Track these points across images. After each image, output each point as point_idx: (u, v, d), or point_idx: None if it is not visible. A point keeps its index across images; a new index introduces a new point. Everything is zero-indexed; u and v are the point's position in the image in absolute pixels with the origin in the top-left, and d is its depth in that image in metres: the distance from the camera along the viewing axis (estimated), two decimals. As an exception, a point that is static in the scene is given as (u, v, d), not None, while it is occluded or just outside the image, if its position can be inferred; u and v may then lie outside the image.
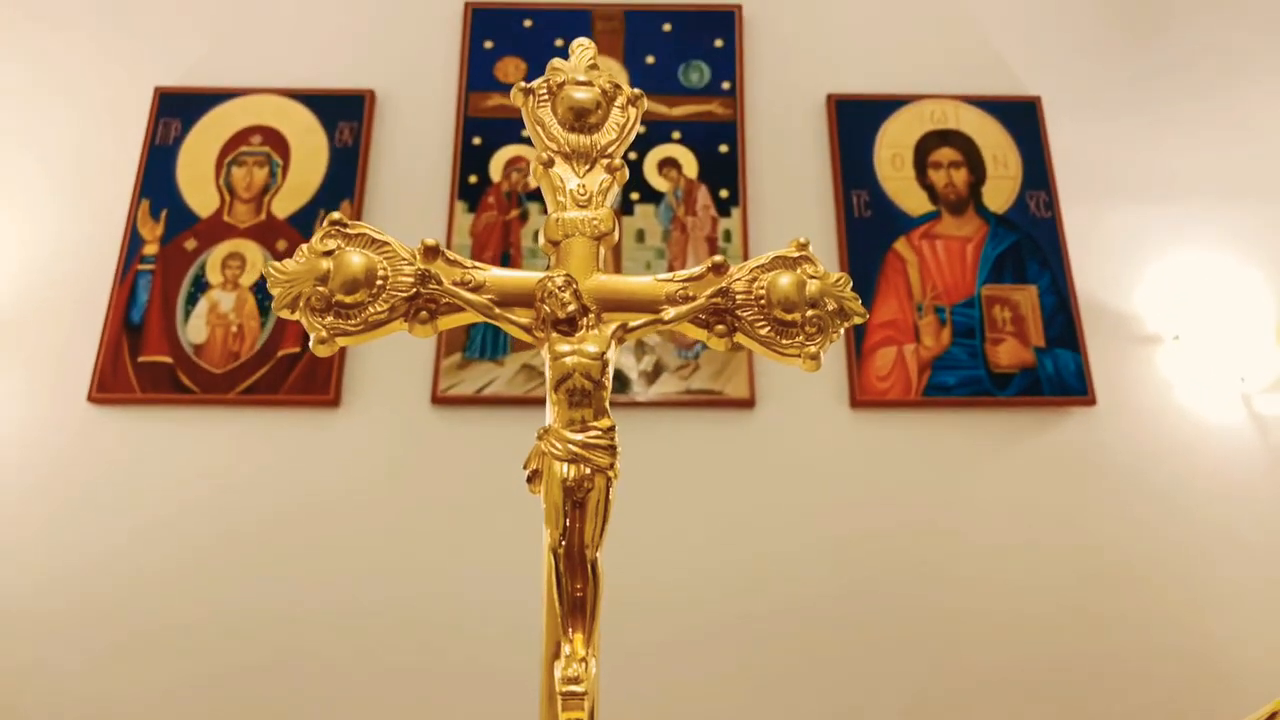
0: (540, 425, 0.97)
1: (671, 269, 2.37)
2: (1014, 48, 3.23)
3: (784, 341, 1.02)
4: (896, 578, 2.63)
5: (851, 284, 1.05)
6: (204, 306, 2.81)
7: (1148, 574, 2.65)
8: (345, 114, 3.04)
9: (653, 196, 2.99)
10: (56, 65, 3.11)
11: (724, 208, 2.97)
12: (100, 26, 3.16)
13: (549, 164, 1.08)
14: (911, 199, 3.02)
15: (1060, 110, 3.13)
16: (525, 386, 2.75)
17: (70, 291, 2.83)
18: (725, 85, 3.13)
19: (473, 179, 2.98)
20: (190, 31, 3.17)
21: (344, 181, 2.96)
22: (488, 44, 3.16)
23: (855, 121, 3.10)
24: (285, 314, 0.97)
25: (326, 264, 0.98)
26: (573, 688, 0.87)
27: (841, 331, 1.03)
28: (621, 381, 2.76)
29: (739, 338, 1.02)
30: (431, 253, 1.01)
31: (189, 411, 2.73)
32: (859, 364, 2.81)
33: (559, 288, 0.97)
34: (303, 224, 2.92)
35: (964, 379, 2.80)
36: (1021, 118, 3.12)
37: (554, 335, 0.97)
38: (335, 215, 1.02)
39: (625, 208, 2.96)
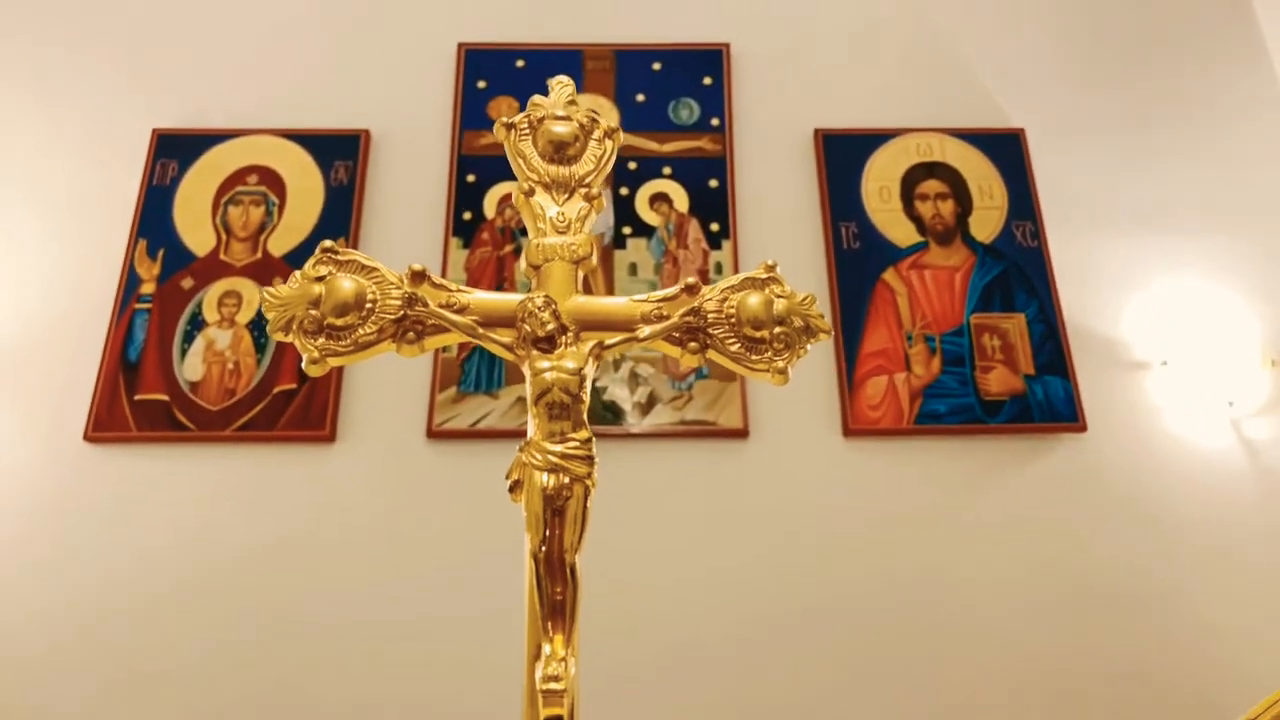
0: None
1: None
2: (997, 81, 3.30)
3: (753, 357, 1.07)
4: (890, 604, 2.63)
5: (817, 302, 1.10)
6: (200, 344, 2.84)
7: (1140, 598, 2.66)
8: (341, 153, 3.09)
9: (645, 230, 3.04)
10: (55, 107, 3.18)
11: (715, 241, 3.02)
12: (98, 70, 3.24)
13: (530, 193, 1.14)
14: (899, 230, 3.06)
15: (1044, 141, 3.19)
16: (520, 419, 2.76)
17: (67, 330, 2.86)
18: (714, 121, 3.19)
19: (467, 215, 3.03)
20: (188, 74, 3.25)
21: (339, 219, 3.01)
22: (481, 84, 3.23)
23: (843, 155, 3.16)
24: (279, 336, 1.03)
25: (319, 289, 1.04)
26: (553, 685, 0.91)
27: (809, 347, 1.07)
28: (616, 413, 2.78)
29: (711, 354, 1.07)
30: (418, 277, 1.08)
31: (185, 449, 2.74)
32: (851, 393, 2.83)
33: (539, 308, 1.02)
34: (298, 262, 2.91)
35: (955, 407, 2.82)
36: (1006, 149, 3.18)
37: (534, 353, 1.02)
38: (328, 243, 1.08)
39: (618, 242, 3.00)
